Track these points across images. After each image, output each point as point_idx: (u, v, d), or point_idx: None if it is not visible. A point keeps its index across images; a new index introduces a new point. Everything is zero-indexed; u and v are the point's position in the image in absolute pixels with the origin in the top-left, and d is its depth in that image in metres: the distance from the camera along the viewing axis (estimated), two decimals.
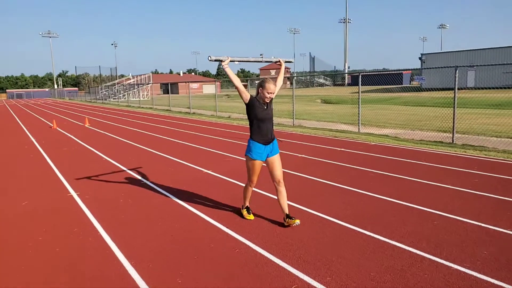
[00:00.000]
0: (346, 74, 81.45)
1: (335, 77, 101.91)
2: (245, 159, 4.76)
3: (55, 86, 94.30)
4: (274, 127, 4.83)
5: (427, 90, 36.58)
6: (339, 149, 9.80)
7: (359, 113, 12.99)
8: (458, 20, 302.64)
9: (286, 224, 4.58)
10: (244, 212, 5.01)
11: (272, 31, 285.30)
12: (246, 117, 4.70)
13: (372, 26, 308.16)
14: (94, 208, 5.47)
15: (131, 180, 7.04)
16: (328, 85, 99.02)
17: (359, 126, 12.92)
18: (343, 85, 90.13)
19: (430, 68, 19.49)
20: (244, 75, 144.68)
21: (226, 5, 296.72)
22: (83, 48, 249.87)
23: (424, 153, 8.96)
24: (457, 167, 7.42)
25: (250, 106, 4.60)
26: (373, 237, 4.27)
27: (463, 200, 5.46)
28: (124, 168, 8.06)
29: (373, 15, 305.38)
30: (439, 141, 10.41)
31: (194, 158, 9.05)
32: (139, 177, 7.25)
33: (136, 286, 3.35)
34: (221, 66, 4.57)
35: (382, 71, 49.72)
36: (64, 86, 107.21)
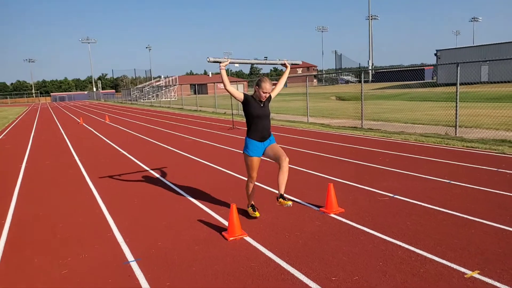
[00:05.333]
0: (370, 71, 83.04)
1: (360, 74, 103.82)
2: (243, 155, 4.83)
3: (94, 89, 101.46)
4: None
5: (441, 86, 39.27)
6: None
7: (307, 107, 16.50)
8: (492, 12, 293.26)
9: (278, 203, 4.37)
10: (250, 210, 4.96)
11: (300, 30, 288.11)
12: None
13: (402, 22, 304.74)
14: (86, 163, 9.44)
15: (116, 151, 10.98)
16: (353, 82, 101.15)
17: (307, 117, 16.42)
18: (367, 81, 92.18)
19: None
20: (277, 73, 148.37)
21: (255, 8, 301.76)
22: (121, 52, 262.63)
23: (333, 135, 12.39)
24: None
25: (246, 104, 4.68)
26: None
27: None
28: (116, 147, 12.05)
29: (403, 11, 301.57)
30: (354, 127, 13.74)
31: (171, 142, 12.91)
32: (120, 149, 11.18)
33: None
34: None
35: (390, 68, 51.79)
36: (103, 88, 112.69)
